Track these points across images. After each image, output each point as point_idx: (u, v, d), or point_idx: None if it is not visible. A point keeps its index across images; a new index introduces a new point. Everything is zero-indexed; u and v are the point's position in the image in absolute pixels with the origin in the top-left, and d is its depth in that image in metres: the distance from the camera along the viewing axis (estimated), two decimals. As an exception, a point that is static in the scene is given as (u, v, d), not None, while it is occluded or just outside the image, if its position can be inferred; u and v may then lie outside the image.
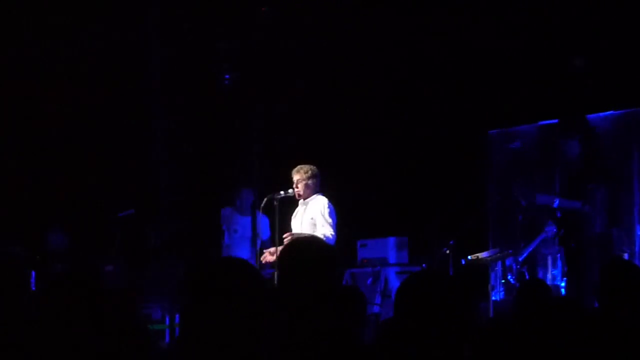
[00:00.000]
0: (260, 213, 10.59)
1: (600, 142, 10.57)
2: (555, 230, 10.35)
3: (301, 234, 9.22)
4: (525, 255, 11.01)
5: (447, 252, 11.03)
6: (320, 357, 3.59)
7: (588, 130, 10.35)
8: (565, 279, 10.40)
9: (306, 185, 9.57)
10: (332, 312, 3.70)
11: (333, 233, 9.33)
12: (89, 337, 3.51)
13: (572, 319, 4.57)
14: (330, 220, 9.40)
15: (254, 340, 3.18)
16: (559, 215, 10.07)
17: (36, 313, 3.75)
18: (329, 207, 9.46)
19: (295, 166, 9.73)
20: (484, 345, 3.93)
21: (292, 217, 9.77)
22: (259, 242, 10.85)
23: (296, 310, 3.68)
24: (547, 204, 10.06)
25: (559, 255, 10.55)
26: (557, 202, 9.95)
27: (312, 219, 9.48)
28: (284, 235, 9.32)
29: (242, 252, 11.10)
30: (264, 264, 9.84)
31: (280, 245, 9.27)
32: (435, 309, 3.54)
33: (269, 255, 9.62)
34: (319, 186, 9.64)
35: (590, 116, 11.11)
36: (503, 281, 11.00)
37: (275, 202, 9.69)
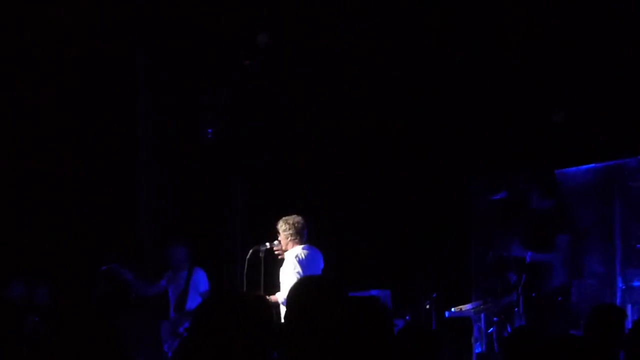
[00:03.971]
0: (198, 268, 11.16)
1: (564, 194, 10.74)
2: (515, 278, 10.42)
3: None
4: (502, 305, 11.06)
5: (428, 306, 11.10)
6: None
7: (552, 182, 10.51)
8: None
9: (284, 237, 9.61)
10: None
11: None
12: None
13: None
14: (290, 281, 9.25)
15: None
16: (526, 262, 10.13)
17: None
18: (295, 263, 9.42)
19: (278, 218, 9.77)
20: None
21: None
22: (197, 297, 10.99)
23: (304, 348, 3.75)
24: (521, 257, 10.15)
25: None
26: (529, 255, 10.06)
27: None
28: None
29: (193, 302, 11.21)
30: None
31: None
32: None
33: None
34: (302, 237, 9.62)
35: (572, 169, 11.30)
36: (487, 332, 11.04)
37: (260, 254, 9.69)
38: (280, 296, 9.29)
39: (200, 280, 11.30)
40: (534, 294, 10.04)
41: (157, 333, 11.41)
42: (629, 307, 10.33)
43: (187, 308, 11.17)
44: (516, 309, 10.30)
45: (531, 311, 10.07)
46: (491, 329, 11.04)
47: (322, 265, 9.61)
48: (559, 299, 9.94)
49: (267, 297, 9.33)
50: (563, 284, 10.02)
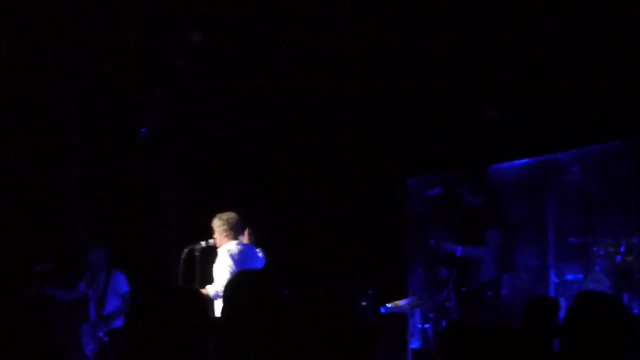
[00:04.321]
0: (116, 270, 11.29)
1: (495, 190, 10.90)
2: (446, 273, 10.52)
3: None
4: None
5: (364, 303, 11.15)
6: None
7: (483, 179, 10.67)
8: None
9: (218, 234, 9.61)
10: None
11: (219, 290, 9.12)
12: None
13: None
14: (222, 275, 9.28)
15: None
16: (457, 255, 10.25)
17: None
18: (227, 258, 9.42)
19: (212, 216, 9.76)
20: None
21: None
22: (117, 300, 11.19)
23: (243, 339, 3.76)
24: (451, 251, 10.26)
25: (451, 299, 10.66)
26: (459, 250, 10.17)
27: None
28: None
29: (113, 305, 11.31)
30: None
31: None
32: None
33: None
34: (236, 233, 9.61)
35: (505, 164, 11.41)
36: (423, 328, 11.12)
37: (196, 253, 9.66)
38: (212, 289, 9.26)
39: (120, 283, 11.30)
40: (464, 289, 10.15)
41: (78, 337, 11.35)
42: (562, 300, 10.46)
43: (107, 311, 11.17)
44: (448, 304, 10.41)
45: (462, 305, 10.19)
46: (427, 324, 11.12)
47: (259, 261, 9.63)
48: (489, 293, 10.05)
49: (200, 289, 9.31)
50: (493, 279, 10.15)
